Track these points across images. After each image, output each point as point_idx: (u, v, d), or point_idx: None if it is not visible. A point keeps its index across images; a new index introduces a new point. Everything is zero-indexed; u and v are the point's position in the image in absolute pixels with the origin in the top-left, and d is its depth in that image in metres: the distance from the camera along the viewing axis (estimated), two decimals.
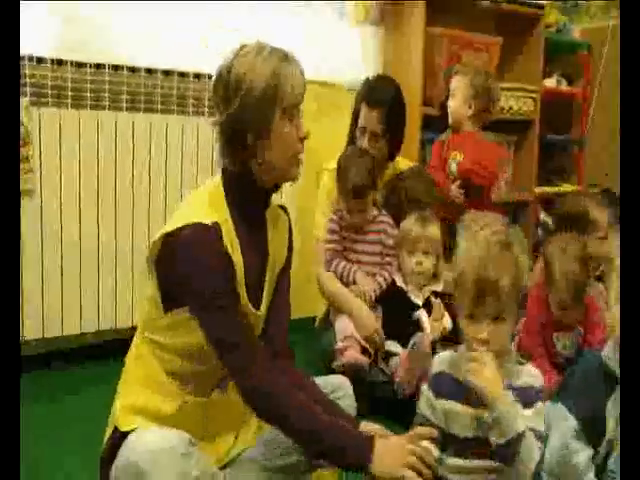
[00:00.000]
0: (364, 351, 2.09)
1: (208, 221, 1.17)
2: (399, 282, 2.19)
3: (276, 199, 1.36)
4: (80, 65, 2.15)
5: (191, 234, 1.16)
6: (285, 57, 1.22)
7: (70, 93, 2.14)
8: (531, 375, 1.22)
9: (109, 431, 1.25)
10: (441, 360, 1.30)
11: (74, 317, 2.22)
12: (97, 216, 2.23)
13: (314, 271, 2.28)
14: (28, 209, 2.09)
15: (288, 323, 1.39)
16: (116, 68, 2.21)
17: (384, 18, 2.83)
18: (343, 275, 2.22)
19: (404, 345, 2.03)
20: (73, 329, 2.23)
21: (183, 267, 1.17)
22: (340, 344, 2.09)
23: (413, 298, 2.16)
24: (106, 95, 2.20)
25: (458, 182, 2.40)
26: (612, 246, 1.82)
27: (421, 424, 1.25)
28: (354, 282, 2.20)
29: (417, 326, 2.06)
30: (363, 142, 2.29)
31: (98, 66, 2.18)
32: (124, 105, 2.24)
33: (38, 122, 2.08)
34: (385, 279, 2.21)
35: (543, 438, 1.18)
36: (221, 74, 1.21)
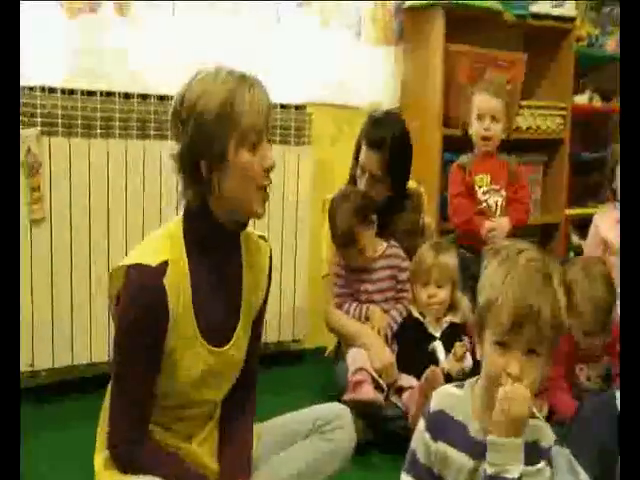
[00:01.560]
0: (376, 385, 1.98)
1: (156, 261, 1.11)
2: (415, 313, 2.10)
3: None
4: (90, 94, 2.13)
5: (130, 279, 1.11)
6: (243, 79, 1.13)
7: (80, 122, 2.12)
8: (541, 433, 1.11)
9: None
10: (442, 396, 1.18)
11: (84, 346, 2.20)
12: (107, 245, 2.20)
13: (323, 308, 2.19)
14: (38, 238, 2.08)
15: (257, 359, 1.38)
16: (127, 96, 2.18)
17: (402, 36, 2.74)
18: (354, 316, 2.11)
19: (418, 377, 1.93)
20: (83, 358, 2.20)
21: (119, 309, 1.14)
22: (353, 377, 1.98)
23: (430, 329, 2.06)
24: (116, 123, 2.17)
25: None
26: None
27: (411, 464, 1.16)
28: (367, 319, 2.09)
29: (432, 359, 1.97)
30: (362, 182, 2.15)
31: (109, 94, 2.16)
32: (134, 132, 2.21)
33: (48, 151, 2.08)
34: (400, 313, 2.12)
35: None
36: (176, 102, 1.14)
